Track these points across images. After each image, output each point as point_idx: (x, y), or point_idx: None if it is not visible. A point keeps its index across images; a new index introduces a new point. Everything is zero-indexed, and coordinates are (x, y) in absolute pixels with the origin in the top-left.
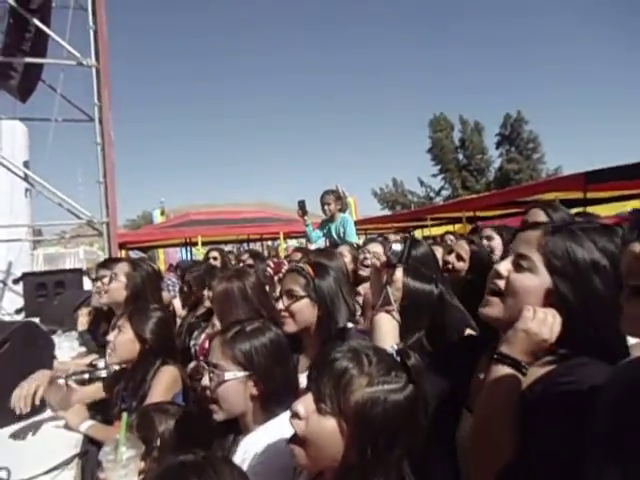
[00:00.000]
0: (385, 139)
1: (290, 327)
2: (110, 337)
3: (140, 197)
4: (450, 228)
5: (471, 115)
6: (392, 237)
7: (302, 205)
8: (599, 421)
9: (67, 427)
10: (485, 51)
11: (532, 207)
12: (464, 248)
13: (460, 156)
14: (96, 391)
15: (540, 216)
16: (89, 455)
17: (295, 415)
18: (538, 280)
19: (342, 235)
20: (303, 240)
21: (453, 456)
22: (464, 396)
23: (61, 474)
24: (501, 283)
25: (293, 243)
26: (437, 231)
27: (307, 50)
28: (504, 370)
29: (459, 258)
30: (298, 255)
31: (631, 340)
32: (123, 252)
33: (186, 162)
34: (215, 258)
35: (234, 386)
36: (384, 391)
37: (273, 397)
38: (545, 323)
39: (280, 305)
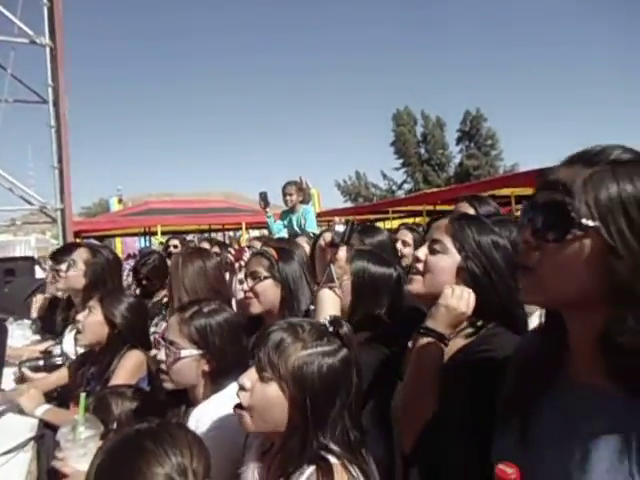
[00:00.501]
0: (349, 132)
1: (255, 308)
2: (80, 317)
3: (95, 184)
4: (411, 221)
5: (433, 111)
6: (337, 219)
7: (264, 197)
8: (505, 386)
9: (22, 412)
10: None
11: (460, 200)
12: (407, 235)
13: (422, 150)
14: (59, 378)
15: (467, 209)
16: (45, 439)
17: (241, 388)
18: (450, 260)
19: (303, 226)
20: (266, 231)
21: (388, 422)
22: (398, 367)
23: (16, 457)
24: (420, 265)
25: (255, 234)
26: (399, 224)
27: (278, 35)
28: (428, 342)
29: (404, 244)
30: (258, 243)
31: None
32: (78, 241)
33: (146, 149)
34: (175, 246)
35: (188, 363)
36: (318, 353)
37: (223, 373)
38: (462, 298)
39: (245, 286)
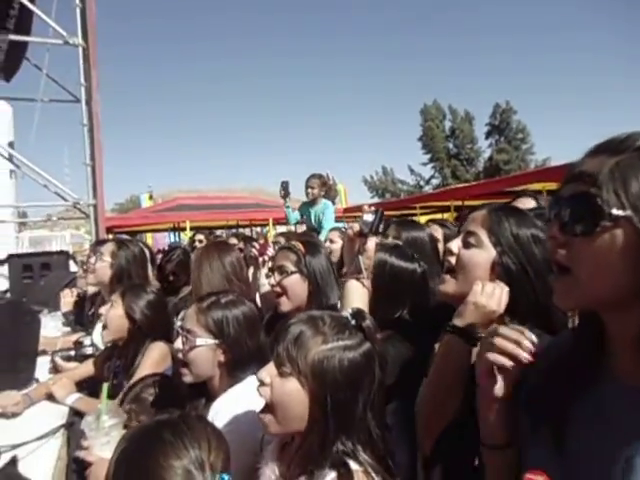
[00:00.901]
0: (376, 128)
1: (285, 306)
2: (102, 310)
3: (128, 181)
4: (439, 217)
5: (461, 105)
6: (365, 207)
7: (285, 186)
8: (534, 387)
9: (54, 400)
10: (477, 39)
11: (521, 195)
12: (438, 231)
13: (450, 145)
14: (89, 369)
15: (530, 203)
16: (74, 426)
17: (261, 383)
18: (485, 254)
19: (321, 221)
20: (293, 228)
21: (412, 421)
22: (425, 366)
23: (48, 442)
24: (453, 260)
25: (283, 230)
26: (426, 220)
27: (302, 34)
28: (455, 341)
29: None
30: (282, 239)
31: None
32: (110, 236)
33: (175, 147)
34: (200, 241)
35: (204, 352)
36: (339, 347)
37: (239, 365)
38: (493, 295)
39: (272, 281)
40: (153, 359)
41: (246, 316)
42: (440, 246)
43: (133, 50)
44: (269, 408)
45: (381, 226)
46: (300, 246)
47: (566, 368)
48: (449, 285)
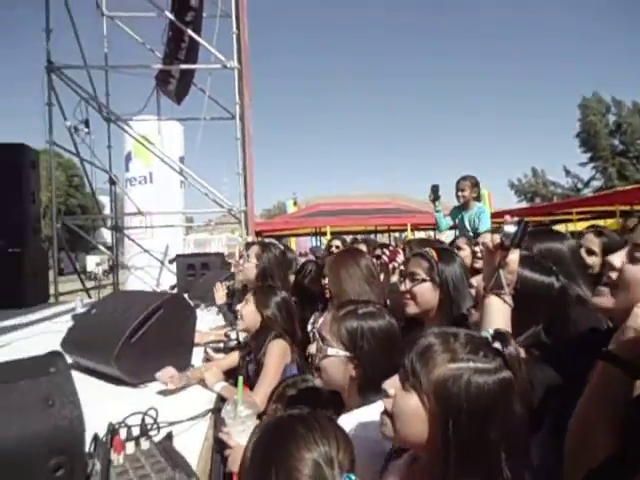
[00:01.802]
0: (524, 127)
1: (411, 309)
2: (239, 306)
3: (275, 189)
4: (600, 224)
5: (627, 96)
6: (507, 218)
7: (435, 189)
8: None
9: (205, 386)
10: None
11: None
12: (594, 241)
13: (616, 142)
14: (233, 360)
15: None
16: (219, 412)
17: (385, 394)
18: None
19: (476, 226)
20: (432, 233)
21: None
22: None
23: (198, 424)
24: (614, 275)
25: (421, 235)
26: (584, 227)
27: (441, 46)
28: (612, 371)
29: (589, 252)
30: (413, 245)
31: None
32: (255, 239)
33: (318, 155)
34: (337, 247)
35: (335, 363)
36: (468, 369)
37: (371, 384)
38: None
39: (402, 287)
40: (274, 355)
41: (383, 330)
42: (596, 259)
43: (278, 63)
44: (389, 415)
45: (525, 238)
46: (433, 253)
47: None
48: (605, 300)
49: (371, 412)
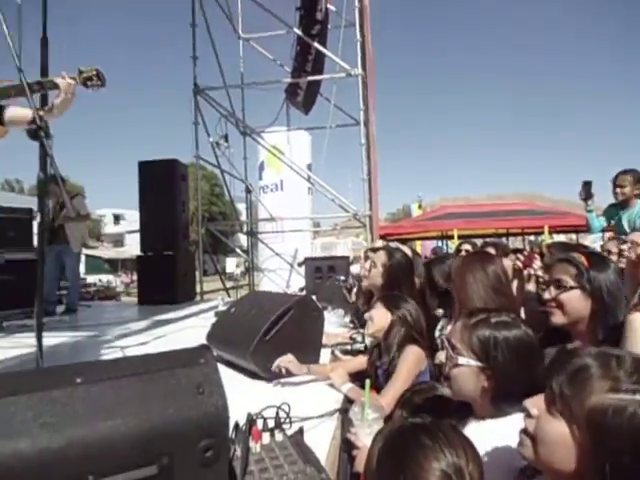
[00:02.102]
0: None
1: (557, 318)
2: (368, 313)
3: (400, 192)
4: None
5: None
6: None
7: (588, 186)
8: None
9: (330, 384)
10: None
11: None
12: None
13: None
14: (360, 363)
15: None
16: (347, 412)
17: (527, 413)
18: None
19: (638, 227)
20: (573, 236)
21: None
22: None
23: (326, 422)
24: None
25: (561, 238)
26: None
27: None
28: None
29: None
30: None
31: None
32: (381, 243)
33: (442, 157)
34: (467, 251)
35: (466, 372)
36: (634, 402)
37: (506, 396)
38: None
39: (546, 295)
40: (408, 361)
41: (519, 340)
42: None
43: (402, 63)
44: (530, 437)
45: None
46: (582, 259)
47: None
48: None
49: (505, 425)
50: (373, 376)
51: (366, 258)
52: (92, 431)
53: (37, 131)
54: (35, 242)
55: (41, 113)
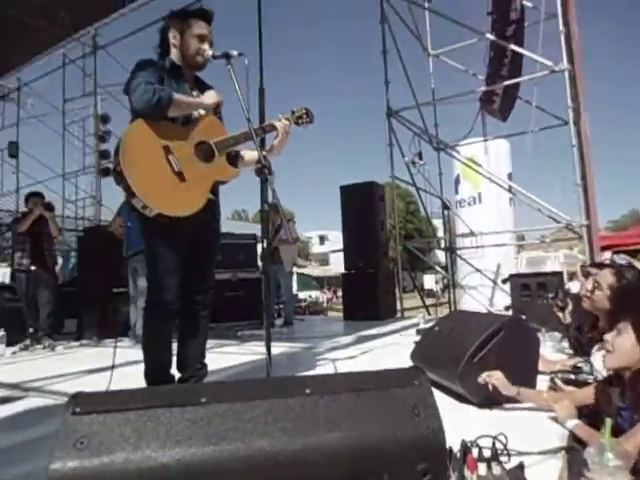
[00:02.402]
0: None
1: None
2: (608, 337)
3: (622, 196)
4: None
5: None
6: None
7: None
8: None
9: (554, 419)
10: None
11: None
12: None
13: None
14: (587, 396)
15: None
16: (574, 451)
17: None
18: None
19: None
20: None
21: None
22: None
23: (549, 459)
24: None
25: None
26: None
27: None
28: None
29: None
30: None
31: None
32: (607, 255)
33: None
34: None
35: None
36: None
37: None
38: None
39: None
40: None
41: None
42: None
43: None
44: None
45: None
46: None
47: None
48: None
49: None
50: (615, 416)
51: (587, 275)
52: (321, 440)
53: (262, 169)
54: (259, 262)
55: (264, 154)
